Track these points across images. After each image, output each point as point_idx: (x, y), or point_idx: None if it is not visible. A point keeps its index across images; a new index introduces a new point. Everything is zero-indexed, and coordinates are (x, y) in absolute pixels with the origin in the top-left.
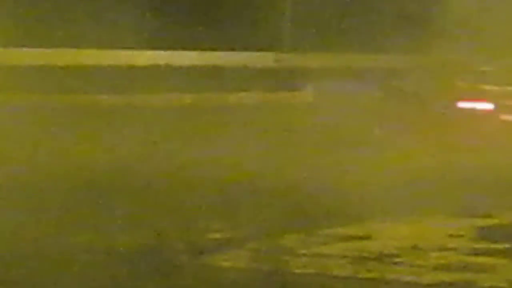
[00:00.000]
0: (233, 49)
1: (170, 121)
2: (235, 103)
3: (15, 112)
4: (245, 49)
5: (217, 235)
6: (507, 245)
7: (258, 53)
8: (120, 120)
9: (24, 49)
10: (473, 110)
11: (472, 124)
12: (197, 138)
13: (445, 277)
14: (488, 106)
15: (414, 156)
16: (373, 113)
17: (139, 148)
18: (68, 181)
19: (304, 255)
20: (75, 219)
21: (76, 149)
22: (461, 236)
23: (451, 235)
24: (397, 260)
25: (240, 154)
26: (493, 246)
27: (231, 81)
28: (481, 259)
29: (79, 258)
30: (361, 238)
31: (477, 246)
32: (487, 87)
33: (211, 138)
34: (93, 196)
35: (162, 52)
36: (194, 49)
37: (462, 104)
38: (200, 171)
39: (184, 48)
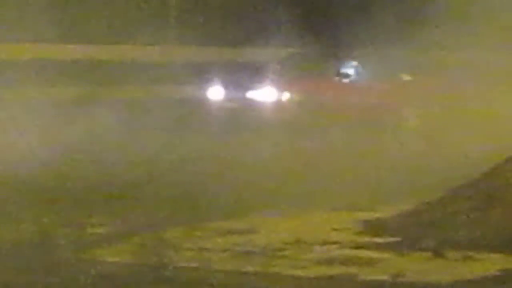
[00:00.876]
0: (118, 43)
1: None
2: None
3: None
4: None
5: (100, 230)
6: (389, 239)
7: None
8: None
9: None
10: None
11: None
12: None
13: (328, 270)
14: None
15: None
16: None
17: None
18: None
19: (188, 249)
20: None
21: None
22: (345, 229)
23: (334, 229)
24: (280, 254)
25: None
26: (376, 239)
27: (117, 75)
28: (364, 253)
29: None
30: (245, 231)
31: (360, 239)
32: None
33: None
34: None
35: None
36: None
37: None
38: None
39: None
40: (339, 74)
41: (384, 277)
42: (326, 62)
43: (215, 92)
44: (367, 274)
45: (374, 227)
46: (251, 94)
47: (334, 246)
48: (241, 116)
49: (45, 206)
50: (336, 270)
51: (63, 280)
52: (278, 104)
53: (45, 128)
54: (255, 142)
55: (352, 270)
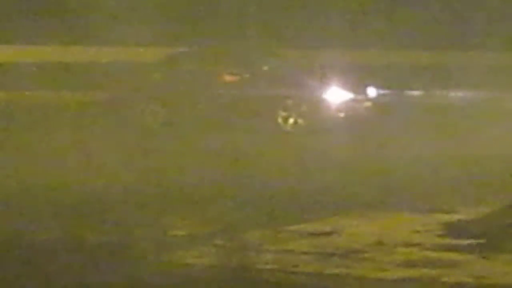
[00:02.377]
0: None
1: None
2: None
3: None
4: None
5: (182, 232)
6: (471, 241)
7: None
8: None
9: None
10: None
11: None
12: None
13: (411, 273)
14: None
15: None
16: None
17: None
18: None
19: (270, 251)
20: None
21: None
22: (426, 231)
23: (416, 231)
24: (362, 256)
25: None
26: (458, 242)
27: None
28: (446, 255)
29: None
30: (326, 234)
31: (442, 242)
32: None
33: None
34: None
35: None
36: None
37: None
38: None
39: None
40: None
41: (469, 280)
42: None
43: None
44: (450, 277)
45: (456, 229)
46: None
47: (416, 248)
48: None
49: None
50: (419, 272)
51: (145, 282)
52: None
53: None
54: None
55: (435, 272)
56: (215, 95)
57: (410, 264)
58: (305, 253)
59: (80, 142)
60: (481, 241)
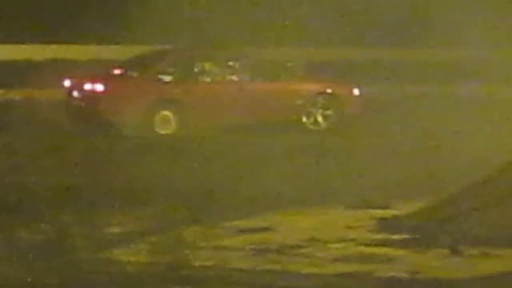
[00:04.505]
0: None
1: None
2: None
3: None
4: None
5: (117, 229)
6: (405, 236)
7: None
8: None
9: None
10: None
11: None
12: None
13: (345, 268)
14: None
15: None
16: None
17: None
18: None
19: (205, 248)
20: None
21: None
22: (361, 227)
23: (351, 227)
24: (297, 252)
25: None
26: (392, 237)
27: None
28: (380, 250)
29: None
30: (261, 230)
31: (376, 237)
32: None
33: None
34: None
35: None
36: None
37: None
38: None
39: None
40: None
41: (403, 275)
42: None
43: None
44: (384, 271)
45: (389, 224)
46: None
47: (350, 243)
48: None
49: None
50: (353, 267)
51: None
52: None
53: None
54: None
55: (369, 267)
56: None
57: (344, 259)
58: (239, 249)
59: None
60: (415, 236)
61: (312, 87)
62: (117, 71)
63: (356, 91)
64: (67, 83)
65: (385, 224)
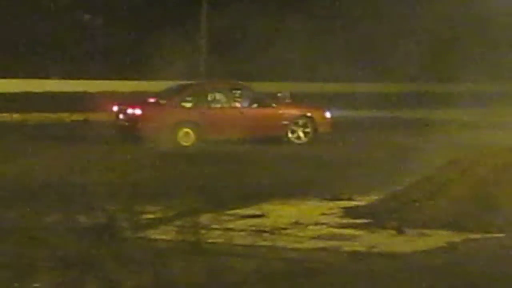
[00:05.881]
0: None
1: None
2: None
3: None
4: None
5: (151, 215)
6: (365, 220)
7: None
8: None
9: None
10: None
11: None
12: None
13: (320, 244)
14: None
15: None
16: None
17: None
18: None
19: (216, 229)
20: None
21: None
22: (331, 214)
23: (323, 214)
24: (284, 232)
25: None
26: (354, 221)
27: None
28: (345, 231)
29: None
30: (257, 216)
31: (342, 221)
32: None
33: None
34: None
35: None
36: None
37: None
38: None
39: None
40: None
41: (362, 249)
42: None
43: None
44: (347, 246)
45: (353, 212)
46: None
47: (323, 226)
48: None
49: None
50: (325, 243)
51: (124, 253)
52: None
53: None
54: None
55: (338, 243)
56: None
57: (319, 237)
58: (241, 230)
59: None
60: (371, 220)
61: (295, 111)
62: (151, 100)
63: (327, 114)
64: (115, 108)
65: (349, 212)
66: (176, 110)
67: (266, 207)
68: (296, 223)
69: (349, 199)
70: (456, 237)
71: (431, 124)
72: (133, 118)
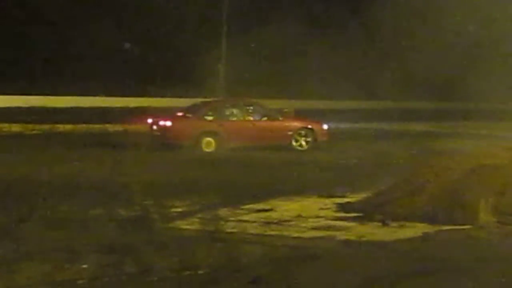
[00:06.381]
0: None
1: None
2: None
3: None
4: None
5: (178, 209)
6: (355, 214)
7: None
8: None
9: None
10: None
11: None
12: None
13: (318, 233)
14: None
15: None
16: None
17: None
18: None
19: (232, 221)
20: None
21: None
22: (328, 209)
23: (322, 208)
24: (289, 223)
25: None
26: (346, 215)
27: None
28: (339, 223)
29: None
30: (267, 210)
31: (337, 215)
32: None
33: None
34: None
35: None
36: None
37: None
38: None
39: None
40: None
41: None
42: None
43: None
44: (337, 236)
45: (346, 207)
46: None
47: (321, 219)
48: None
49: None
50: (323, 233)
51: (157, 240)
52: None
53: None
54: None
55: (332, 233)
56: None
57: (318, 228)
58: (253, 222)
59: None
60: (360, 214)
61: (298, 124)
62: (179, 113)
63: (325, 126)
64: (149, 120)
65: (342, 207)
66: (200, 122)
67: (274, 202)
68: (299, 216)
69: (343, 196)
70: (431, 229)
71: (414, 135)
72: (164, 129)
